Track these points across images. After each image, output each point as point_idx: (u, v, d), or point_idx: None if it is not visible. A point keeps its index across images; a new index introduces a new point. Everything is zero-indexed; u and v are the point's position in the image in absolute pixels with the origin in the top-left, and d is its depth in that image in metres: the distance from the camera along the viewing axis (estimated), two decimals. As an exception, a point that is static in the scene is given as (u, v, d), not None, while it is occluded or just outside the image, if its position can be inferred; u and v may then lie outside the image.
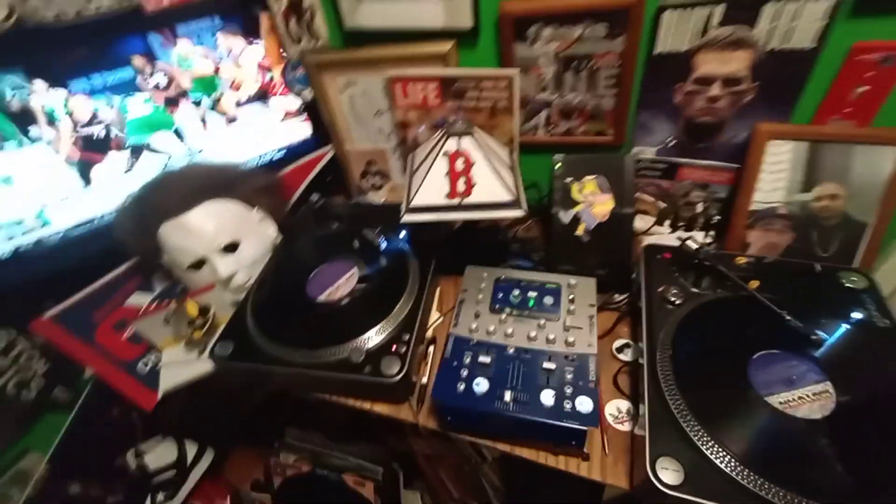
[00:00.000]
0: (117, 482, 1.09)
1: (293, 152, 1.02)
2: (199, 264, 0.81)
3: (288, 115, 1.00)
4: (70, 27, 0.71)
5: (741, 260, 0.74)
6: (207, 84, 0.91)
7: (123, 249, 0.85)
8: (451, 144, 0.73)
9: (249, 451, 1.28)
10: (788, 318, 0.63)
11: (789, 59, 0.72)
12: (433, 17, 0.81)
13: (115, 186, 0.86)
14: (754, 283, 0.69)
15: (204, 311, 0.79)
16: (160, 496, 1.04)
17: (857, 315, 0.65)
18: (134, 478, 1.07)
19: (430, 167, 0.73)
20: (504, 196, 0.72)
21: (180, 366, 0.79)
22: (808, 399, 0.56)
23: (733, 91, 0.78)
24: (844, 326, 0.63)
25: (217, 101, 0.93)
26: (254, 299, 0.79)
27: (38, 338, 0.91)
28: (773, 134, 0.78)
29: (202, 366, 0.78)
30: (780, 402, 0.55)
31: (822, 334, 0.62)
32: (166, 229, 0.79)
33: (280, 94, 0.97)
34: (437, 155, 0.73)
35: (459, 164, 0.72)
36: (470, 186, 0.72)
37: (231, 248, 0.82)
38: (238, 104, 0.95)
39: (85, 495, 1.01)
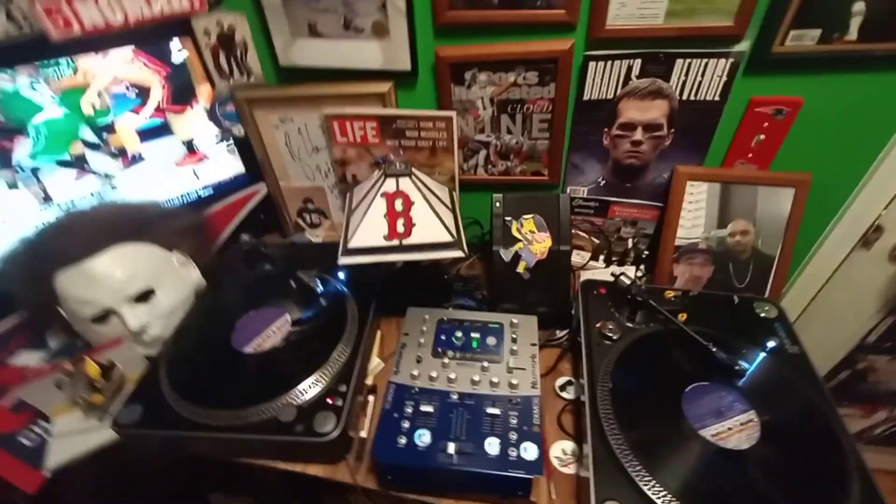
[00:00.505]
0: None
1: (222, 189, 0.95)
2: (104, 316, 0.71)
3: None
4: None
5: (670, 293, 0.78)
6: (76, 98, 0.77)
7: (9, 301, 0.74)
8: (389, 185, 0.71)
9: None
10: (714, 349, 0.66)
11: (700, 109, 0.80)
12: (371, 58, 0.81)
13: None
14: (683, 316, 0.73)
15: (107, 370, 0.69)
16: None
17: (771, 343, 0.70)
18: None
19: (368, 208, 0.71)
20: (444, 237, 0.71)
21: (75, 436, 0.68)
22: (736, 429, 0.58)
23: (654, 136, 0.84)
24: (762, 355, 0.67)
25: (110, 129, 0.81)
26: (169, 354, 0.71)
27: None
28: (690, 176, 0.85)
29: (102, 435, 0.67)
30: (712, 435, 0.57)
31: (744, 364, 0.65)
32: (65, 278, 0.69)
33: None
34: (376, 195, 0.71)
35: (398, 205, 0.71)
36: (409, 227, 0.71)
37: (144, 296, 0.73)
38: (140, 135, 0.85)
39: None
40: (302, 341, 0.73)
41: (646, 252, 0.96)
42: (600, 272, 0.96)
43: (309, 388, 0.65)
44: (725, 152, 0.85)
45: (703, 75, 0.76)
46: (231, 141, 0.93)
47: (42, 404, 0.70)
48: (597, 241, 0.98)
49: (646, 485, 0.52)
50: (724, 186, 0.85)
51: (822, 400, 0.62)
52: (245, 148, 0.94)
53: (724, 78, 0.76)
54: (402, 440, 0.60)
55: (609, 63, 0.77)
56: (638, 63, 0.76)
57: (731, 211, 0.85)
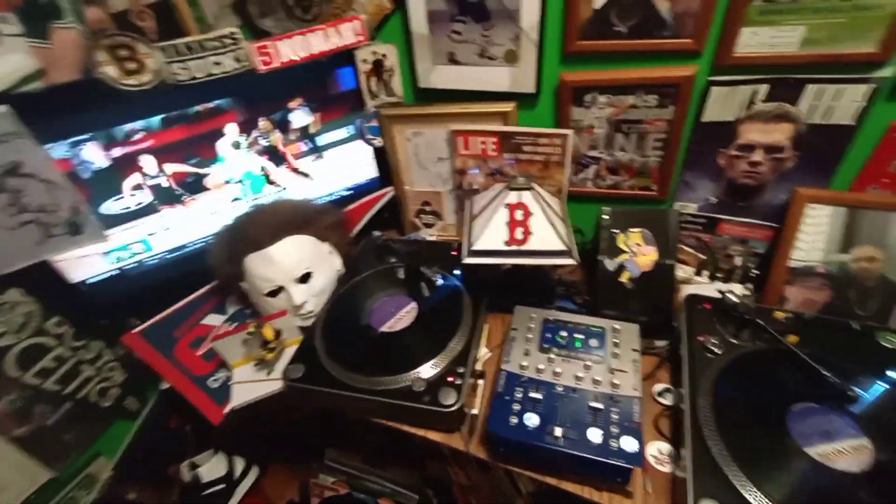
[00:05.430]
0: (171, 491, 1.16)
1: (359, 191, 1.12)
2: (276, 292, 0.90)
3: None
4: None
5: (780, 314, 0.78)
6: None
7: (211, 273, 0.95)
8: (512, 197, 0.81)
9: (287, 468, 1.34)
10: (826, 373, 0.67)
11: (830, 133, 0.78)
12: (500, 81, 0.91)
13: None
14: (793, 338, 0.74)
15: (278, 334, 0.87)
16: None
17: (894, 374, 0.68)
18: (187, 488, 1.15)
19: (492, 216, 0.81)
20: (558, 245, 0.79)
21: (250, 384, 0.87)
22: (845, 452, 0.59)
23: (775, 158, 0.84)
24: (883, 385, 0.67)
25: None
26: (322, 326, 0.87)
27: (122, 350, 1.02)
28: (812, 198, 0.84)
29: (271, 385, 0.85)
30: (819, 454, 0.59)
31: (859, 391, 0.65)
32: (253, 259, 0.88)
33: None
34: (499, 205, 0.81)
35: (519, 215, 0.80)
36: (527, 235, 0.80)
37: (305, 278, 0.91)
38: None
39: (142, 502, 1.09)
40: (426, 326, 0.85)
41: (755, 272, 0.95)
42: (703, 287, 0.97)
43: (431, 368, 0.77)
44: (855, 176, 0.82)
45: (837, 100, 0.75)
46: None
47: (228, 355, 0.90)
48: (702, 256, 0.99)
49: (744, 489, 0.57)
50: (850, 210, 0.82)
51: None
52: (380, 156, 1.09)
53: (862, 102, 0.74)
54: (514, 419, 0.69)
55: (733, 87, 0.79)
56: (765, 88, 0.77)
57: (856, 236, 0.83)
